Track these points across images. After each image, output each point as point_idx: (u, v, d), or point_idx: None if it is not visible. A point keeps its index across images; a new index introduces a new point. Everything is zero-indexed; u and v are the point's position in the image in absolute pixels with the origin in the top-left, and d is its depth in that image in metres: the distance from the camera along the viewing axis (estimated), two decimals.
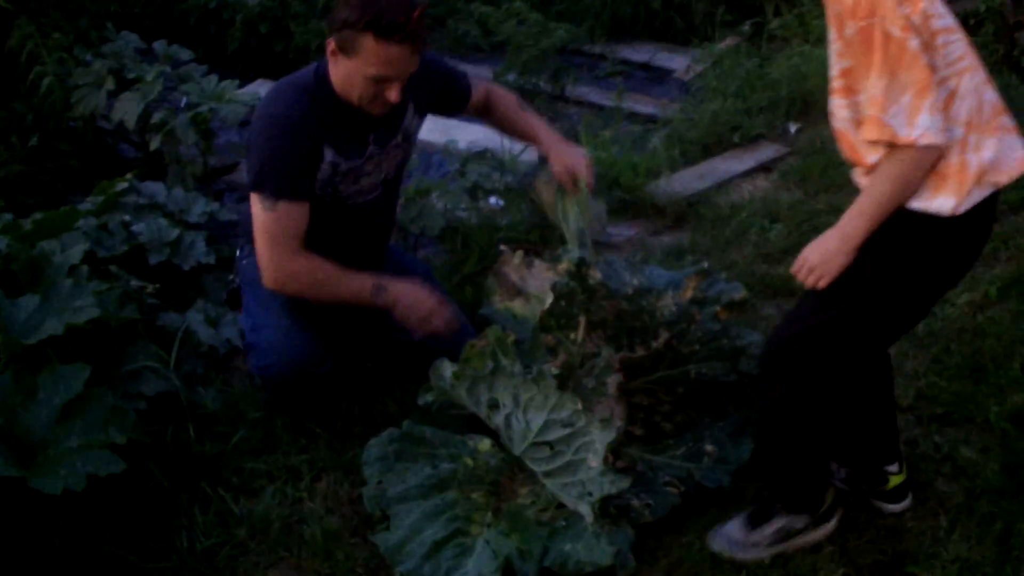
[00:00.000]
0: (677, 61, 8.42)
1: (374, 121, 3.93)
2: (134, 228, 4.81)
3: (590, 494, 3.42)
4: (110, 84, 6.24)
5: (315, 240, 3.90)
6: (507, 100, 4.43)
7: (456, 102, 4.34)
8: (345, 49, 3.69)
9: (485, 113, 4.46)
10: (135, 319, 4.11)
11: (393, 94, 3.75)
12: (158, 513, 3.65)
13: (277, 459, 3.92)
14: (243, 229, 4.33)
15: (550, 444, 3.47)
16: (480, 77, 4.58)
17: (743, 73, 7.27)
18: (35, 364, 3.62)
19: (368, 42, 3.61)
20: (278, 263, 3.82)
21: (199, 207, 5.30)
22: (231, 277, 4.61)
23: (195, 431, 3.95)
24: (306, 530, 3.60)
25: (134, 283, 4.44)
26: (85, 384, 3.52)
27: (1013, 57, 7.04)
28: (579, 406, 3.40)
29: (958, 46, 2.92)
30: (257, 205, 3.81)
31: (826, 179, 5.98)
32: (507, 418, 3.53)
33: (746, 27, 8.39)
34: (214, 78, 6.34)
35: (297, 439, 4.00)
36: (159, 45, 6.62)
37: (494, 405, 3.55)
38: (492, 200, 5.42)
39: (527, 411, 3.48)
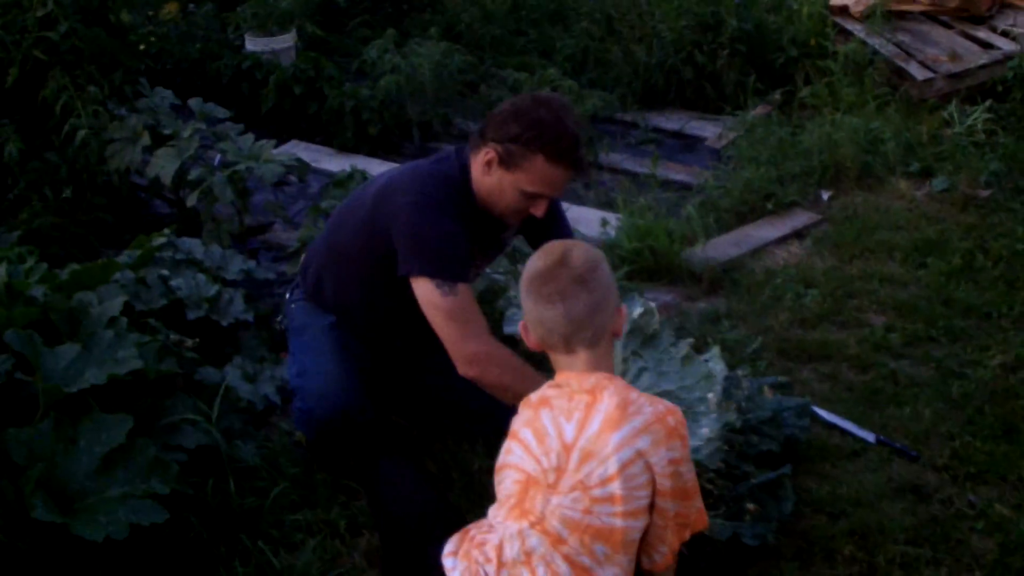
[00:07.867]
0: (708, 129, 8.47)
1: (488, 229, 4.00)
2: (173, 283, 4.80)
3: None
4: (145, 139, 6.25)
5: (393, 317, 4.03)
6: None
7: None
8: (507, 162, 3.72)
9: None
10: (174, 373, 4.09)
11: (540, 210, 3.82)
12: (198, 565, 3.62)
13: (317, 514, 3.90)
14: (307, 270, 4.33)
15: None
16: None
17: (775, 141, 7.35)
18: (75, 413, 3.59)
19: (538, 161, 3.68)
20: (476, 347, 3.68)
21: (236, 264, 5.34)
22: (279, 318, 4.60)
23: (235, 485, 3.93)
24: None
25: (173, 337, 4.44)
26: (127, 435, 3.50)
27: None
28: (709, 395, 3.51)
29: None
30: (432, 292, 3.70)
31: (859, 245, 6.05)
32: (640, 371, 3.59)
33: (777, 96, 8.45)
34: (250, 137, 6.38)
35: (336, 495, 3.99)
36: (194, 102, 6.67)
37: (636, 356, 3.63)
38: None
39: (660, 377, 3.57)
